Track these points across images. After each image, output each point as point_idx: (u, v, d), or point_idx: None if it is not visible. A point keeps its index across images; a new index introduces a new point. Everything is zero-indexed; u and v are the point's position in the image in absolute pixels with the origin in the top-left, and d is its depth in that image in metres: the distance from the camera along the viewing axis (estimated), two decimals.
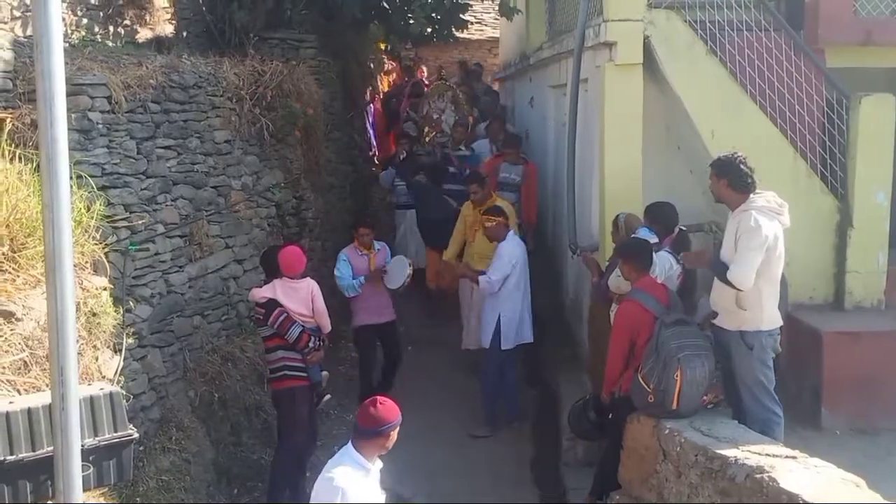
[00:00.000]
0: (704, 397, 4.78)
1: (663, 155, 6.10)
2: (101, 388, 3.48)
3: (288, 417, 5.63)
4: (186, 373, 5.91)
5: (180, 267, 5.97)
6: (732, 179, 4.67)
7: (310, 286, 5.64)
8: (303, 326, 5.58)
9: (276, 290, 5.60)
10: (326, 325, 5.76)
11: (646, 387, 4.62)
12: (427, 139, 9.73)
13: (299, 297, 5.59)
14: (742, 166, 4.66)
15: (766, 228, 4.52)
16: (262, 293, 5.62)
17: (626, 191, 5.83)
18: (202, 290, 6.22)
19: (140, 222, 5.46)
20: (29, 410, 3.22)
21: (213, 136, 6.56)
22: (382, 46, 10.83)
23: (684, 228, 5.38)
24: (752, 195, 4.65)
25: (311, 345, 5.58)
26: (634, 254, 4.99)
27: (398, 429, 3.66)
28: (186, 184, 6.15)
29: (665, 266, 5.14)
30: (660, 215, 5.37)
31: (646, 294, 4.85)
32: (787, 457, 3.99)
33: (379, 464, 3.70)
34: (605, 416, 5.19)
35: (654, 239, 5.25)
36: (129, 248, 5.35)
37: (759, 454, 4.04)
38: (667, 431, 4.55)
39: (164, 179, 5.87)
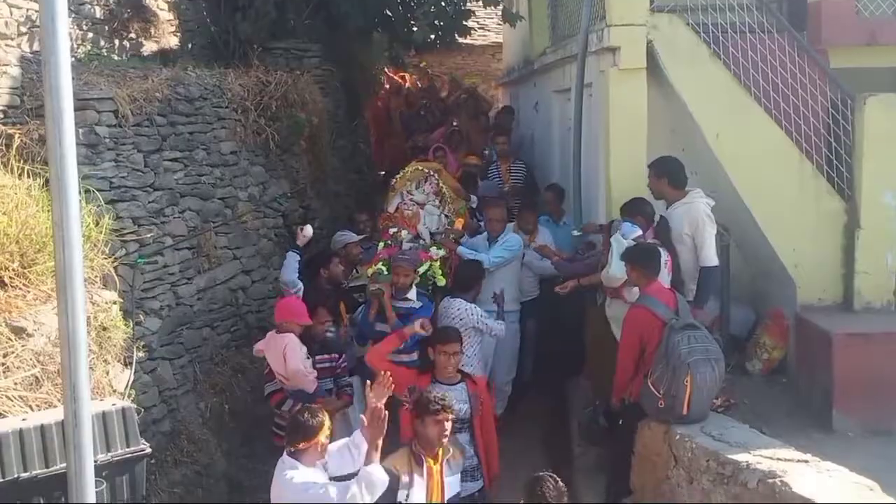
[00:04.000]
0: (715, 401, 4.79)
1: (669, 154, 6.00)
2: (114, 404, 3.49)
3: None
4: (196, 385, 5.93)
5: (189, 279, 6.01)
6: (672, 177, 5.41)
7: (283, 342, 5.16)
8: (278, 386, 5.27)
9: (266, 341, 5.32)
10: (304, 385, 5.19)
11: (656, 392, 4.61)
12: (386, 244, 6.57)
13: (276, 352, 5.18)
14: (678, 166, 5.43)
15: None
16: (258, 346, 5.38)
17: (631, 193, 5.78)
18: (211, 302, 6.26)
19: (148, 235, 5.48)
20: (42, 427, 3.24)
21: (219, 148, 6.60)
22: (386, 54, 10.68)
23: (663, 215, 5.50)
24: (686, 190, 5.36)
25: (284, 408, 5.22)
26: (643, 259, 4.97)
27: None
28: (193, 195, 6.19)
29: (662, 258, 5.19)
30: (638, 208, 5.51)
31: (654, 300, 4.84)
32: (799, 461, 3.97)
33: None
34: (616, 422, 5.17)
35: (637, 231, 5.35)
36: (138, 261, 5.38)
37: (771, 458, 4.01)
38: (678, 437, 4.53)
39: (172, 192, 5.90)
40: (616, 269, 5.22)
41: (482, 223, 7.10)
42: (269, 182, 7.35)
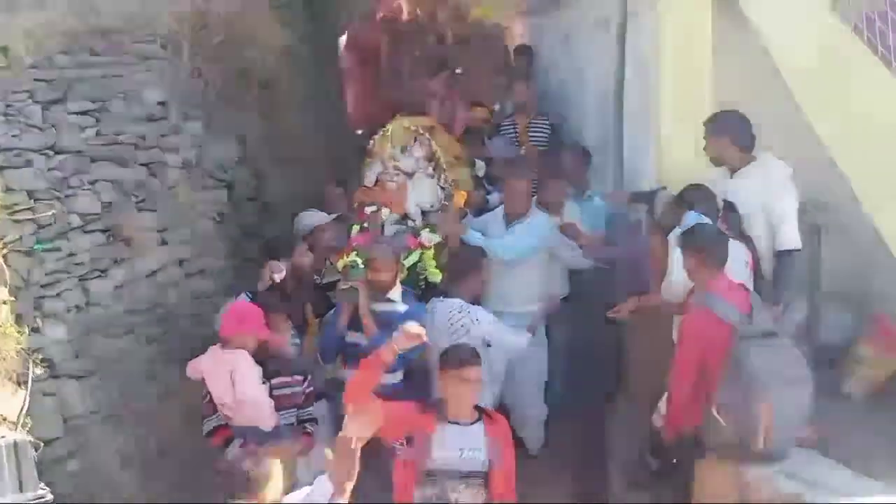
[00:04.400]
0: (800, 433, 4.78)
1: (739, 108, 5.90)
2: (2, 437, 3.46)
3: None
4: (114, 412, 5.94)
5: (102, 271, 5.98)
6: (736, 137, 5.51)
7: (232, 361, 5.14)
8: (223, 421, 5.29)
9: (207, 360, 5.30)
10: (260, 420, 5.20)
11: (722, 422, 4.66)
12: (361, 228, 6.77)
13: (221, 374, 5.15)
14: (745, 122, 5.49)
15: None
16: (195, 365, 5.35)
17: (690, 162, 5.87)
18: (132, 302, 6.23)
19: (49, 213, 5.43)
20: None
21: (142, 97, 6.56)
22: None
23: (729, 202, 5.57)
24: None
25: (229, 450, 5.25)
26: (705, 244, 4.98)
27: None
28: (108, 161, 6.14)
29: (740, 255, 5.26)
30: (701, 196, 5.52)
31: (720, 299, 4.86)
32: None
33: None
34: (669, 461, 5.25)
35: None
36: (36, 247, 5.34)
37: None
38: (751, 480, 4.57)
39: (80, 156, 5.85)
40: (678, 276, 5.27)
41: (491, 196, 7.16)
42: (210, 143, 7.32)
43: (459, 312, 5.80)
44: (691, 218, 5.38)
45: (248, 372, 5.11)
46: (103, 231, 6.03)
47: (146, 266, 6.44)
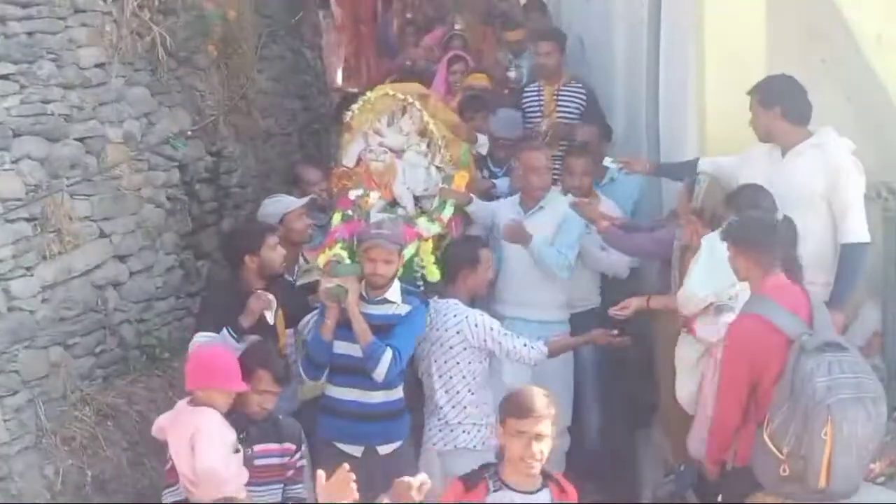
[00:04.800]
0: (872, 466, 4.81)
1: (800, 74, 5.91)
2: None
3: None
4: (42, 438, 5.89)
5: (27, 269, 5.94)
6: (788, 107, 5.50)
7: (196, 423, 5.01)
8: (183, 496, 5.13)
9: (172, 417, 5.21)
10: (216, 498, 5.01)
11: (776, 452, 4.64)
12: (344, 216, 6.63)
13: (183, 437, 5.02)
14: (798, 89, 5.48)
15: None
16: (159, 423, 5.28)
17: (738, 131, 5.86)
18: (64, 306, 6.22)
19: None
20: None
21: (76, 58, 6.52)
22: None
23: (787, 217, 5.36)
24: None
25: None
26: (756, 238, 4.98)
27: None
28: (35, 135, 6.11)
29: None
30: (752, 200, 5.44)
31: (774, 304, 4.85)
32: None
33: None
34: (712, 497, 5.20)
35: None
36: None
37: None
38: None
39: (0, 128, 5.85)
40: (697, 285, 5.30)
41: (497, 178, 7.34)
42: (158, 113, 7.30)
43: (455, 316, 5.86)
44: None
45: (212, 437, 4.97)
46: (28, 220, 5.97)
47: (81, 262, 6.39)
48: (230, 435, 5.10)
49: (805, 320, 4.81)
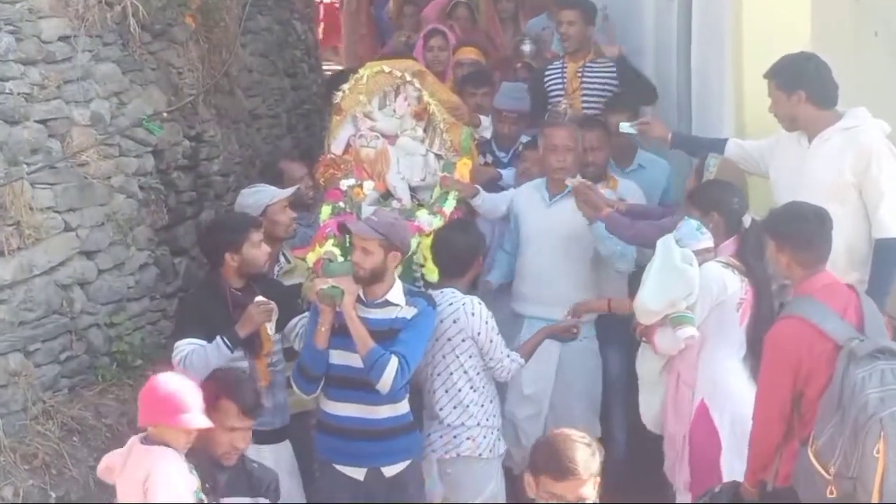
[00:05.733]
0: None
1: (851, 47, 6.07)
2: None
3: None
4: (0, 456, 5.76)
5: None
6: (813, 90, 5.46)
7: (150, 465, 4.72)
8: None
9: (123, 455, 4.88)
10: None
11: (822, 471, 4.55)
12: (335, 209, 6.75)
13: (133, 481, 4.75)
14: (822, 67, 5.49)
15: None
16: (107, 460, 4.98)
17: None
18: (24, 307, 6.10)
19: None
20: None
21: (38, 30, 6.44)
22: None
23: (756, 219, 5.55)
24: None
25: None
26: (797, 231, 4.90)
27: None
28: None
29: (715, 287, 5.41)
30: (716, 199, 5.62)
31: (819, 304, 4.77)
32: None
33: None
34: None
35: (703, 240, 5.50)
36: None
37: None
38: None
39: None
40: (649, 295, 5.38)
41: (504, 166, 7.32)
42: (130, 92, 7.22)
43: (451, 304, 5.77)
44: (684, 226, 5.54)
45: (168, 484, 4.64)
46: None
47: (43, 259, 6.27)
48: (191, 482, 4.79)
49: (854, 324, 4.74)
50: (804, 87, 5.52)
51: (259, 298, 5.78)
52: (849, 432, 4.41)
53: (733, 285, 5.46)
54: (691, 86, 6.84)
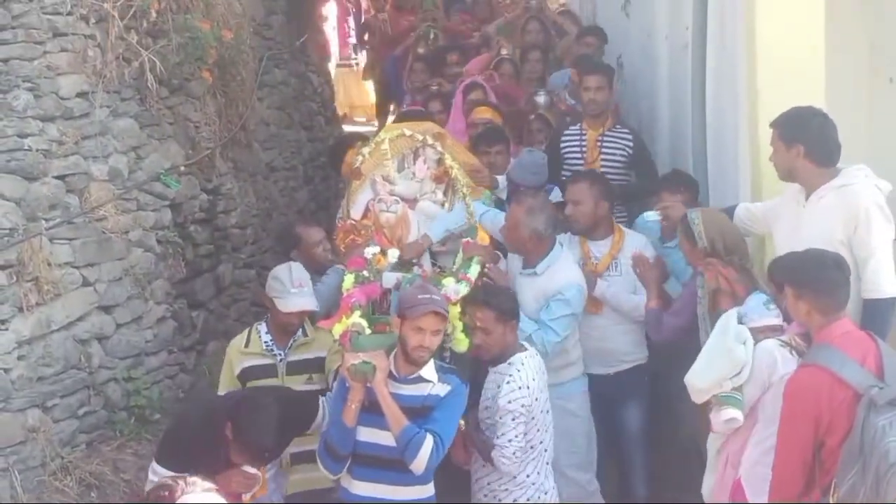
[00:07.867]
0: None
1: (864, 92, 6.05)
2: None
3: None
4: None
5: (2, 322, 5.96)
6: (812, 146, 5.44)
7: None
8: None
9: None
10: None
11: None
12: (358, 277, 6.40)
13: None
14: (826, 125, 5.44)
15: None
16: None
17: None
18: (42, 363, 6.18)
19: None
20: None
21: (56, 87, 6.54)
22: None
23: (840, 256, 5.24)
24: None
25: None
26: (816, 278, 4.92)
27: None
28: (10, 173, 6.15)
29: (765, 367, 5.17)
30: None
31: (838, 353, 4.79)
32: None
33: None
34: None
35: (770, 317, 5.41)
36: None
37: None
38: None
39: None
40: (695, 373, 5.29)
41: None
42: (148, 147, 7.31)
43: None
44: (752, 303, 5.44)
45: None
46: (3, 267, 5.99)
47: (61, 314, 6.36)
48: None
49: (874, 371, 4.75)
50: (804, 142, 5.48)
51: (240, 470, 5.31)
52: (870, 481, 4.41)
53: (787, 366, 5.14)
54: (706, 136, 6.77)
